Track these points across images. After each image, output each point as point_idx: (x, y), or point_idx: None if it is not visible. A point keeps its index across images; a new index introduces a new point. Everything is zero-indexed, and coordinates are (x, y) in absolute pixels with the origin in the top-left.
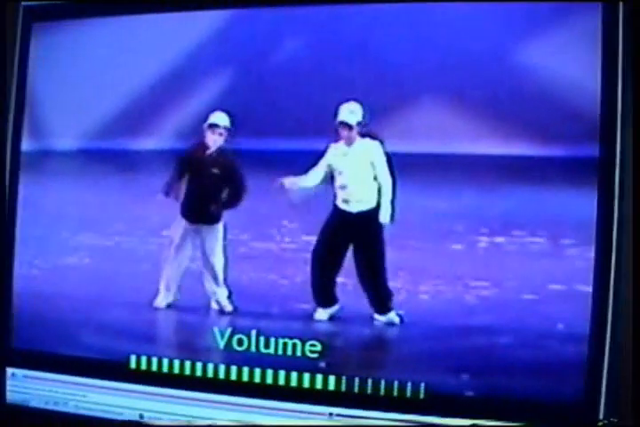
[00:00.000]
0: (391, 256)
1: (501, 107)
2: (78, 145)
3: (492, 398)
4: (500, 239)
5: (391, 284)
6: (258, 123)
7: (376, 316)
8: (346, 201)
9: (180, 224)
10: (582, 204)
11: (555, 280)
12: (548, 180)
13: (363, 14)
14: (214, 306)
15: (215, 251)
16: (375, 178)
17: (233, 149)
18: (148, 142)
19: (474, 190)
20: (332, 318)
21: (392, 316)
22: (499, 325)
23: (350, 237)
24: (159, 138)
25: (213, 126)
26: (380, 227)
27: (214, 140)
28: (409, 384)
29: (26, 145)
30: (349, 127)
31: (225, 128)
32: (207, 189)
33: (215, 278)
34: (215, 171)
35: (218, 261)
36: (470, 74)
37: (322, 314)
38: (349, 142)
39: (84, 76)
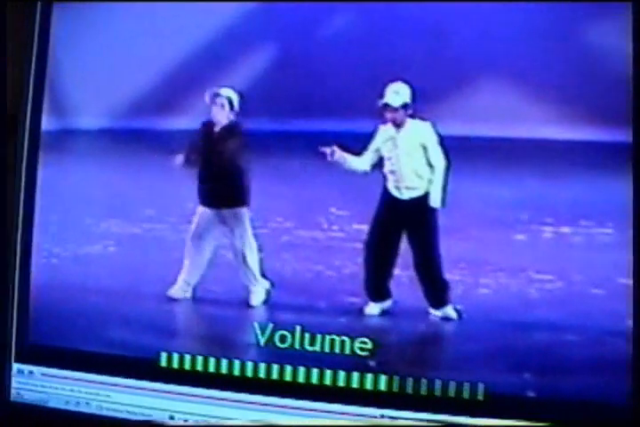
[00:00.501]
0: (449, 246)
1: (568, 88)
2: (103, 123)
3: (555, 400)
4: (565, 229)
5: (449, 276)
6: (301, 102)
7: (431, 310)
8: (397, 187)
9: (199, 212)
10: None
11: (624, 274)
12: (618, 167)
13: None
14: (253, 302)
15: (244, 238)
16: (428, 162)
17: (276, 130)
18: (180, 121)
19: (538, 177)
20: (383, 313)
21: (449, 310)
22: (563, 321)
23: (403, 225)
24: (192, 116)
25: (215, 96)
26: (433, 214)
27: (219, 113)
28: (466, 385)
29: (46, 124)
30: (394, 110)
31: (227, 98)
32: (223, 167)
33: (248, 271)
34: (228, 147)
35: (249, 252)
36: (536, 52)
37: (373, 308)
38: (397, 125)
39: (110, 52)
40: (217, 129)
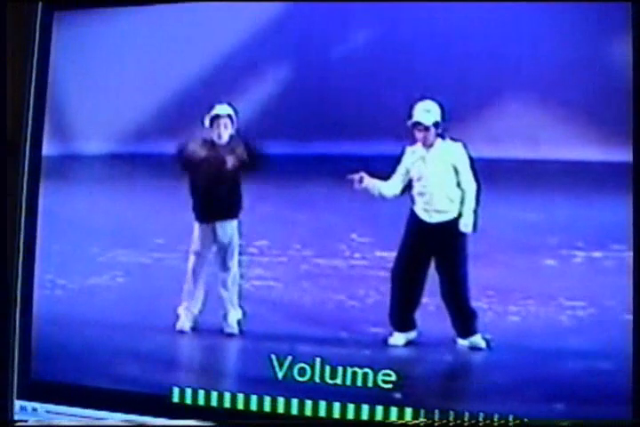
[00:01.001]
0: (477, 273)
1: (598, 110)
2: (109, 148)
3: None
4: (597, 254)
5: (477, 304)
6: (320, 124)
7: (459, 340)
8: (425, 210)
9: (198, 235)
10: None
11: None
12: None
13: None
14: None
15: (230, 250)
16: (458, 184)
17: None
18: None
19: (567, 200)
20: (408, 344)
21: (477, 339)
22: (596, 349)
23: (431, 251)
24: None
25: (215, 118)
26: (463, 239)
27: (224, 133)
28: (496, 417)
29: (48, 149)
30: (426, 128)
31: (228, 116)
32: (224, 183)
33: (227, 291)
34: (233, 161)
35: (231, 276)
36: (566, 74)
37: (399, 339)
38: (428, 145)
39: (114, 72)
40: (221, 147)
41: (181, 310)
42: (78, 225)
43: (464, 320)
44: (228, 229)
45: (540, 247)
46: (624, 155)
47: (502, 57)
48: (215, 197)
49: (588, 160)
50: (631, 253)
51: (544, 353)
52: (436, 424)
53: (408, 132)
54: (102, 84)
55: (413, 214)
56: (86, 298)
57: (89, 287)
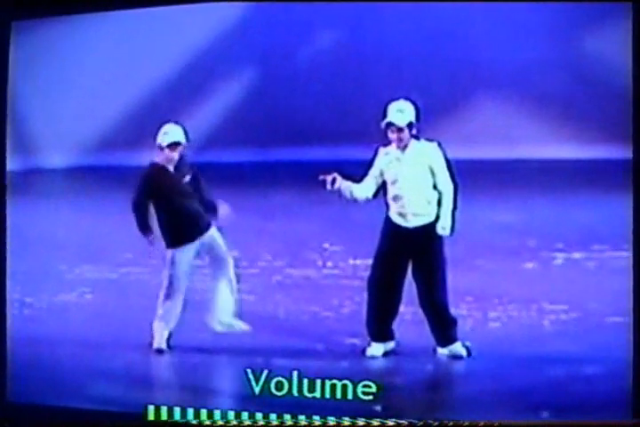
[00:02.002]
0: (455, 278)
1: (575, 109)
2: (72, 161)
3: None
4: (578, 255)
5: (456, 311)
6: (289, 131)
7: (439, 349)
8: (401, 215)
9: (175, 254)
10: None
11: None
12: (630, 186)
13: (410, 4)
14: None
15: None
16: (434, 186)
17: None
18: (153, 155)
19: (544, 200)
20: (387, 354)
21: (457, 347)
22: (581, 353)
23: (408, 256)
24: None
25: (173, 145)
26: (441, 243)
27: (171, 158)
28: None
29: (10, 163)
30: (399, 129)
31: (182, 145)
32: (190, 203)
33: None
34: (187, 185)
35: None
36: (540, 74)
37: (376, 349)
38: (402, 146)
39: (75, 81)
40: (172, 169)
41: (157, 328)
42: (43, 242)
43: (443, 328)
44: (216, 237)
45: (519, 250)
46: (603, 153)
47: (477, 56)
48: (192, 215)
49: (566, 159)
50: (614, 253)
51: (527, 360)
52: None
53: (380, 134)
54: (62, 96)
55: (388, 220)
56: (55, 316)
57: (58, 305)
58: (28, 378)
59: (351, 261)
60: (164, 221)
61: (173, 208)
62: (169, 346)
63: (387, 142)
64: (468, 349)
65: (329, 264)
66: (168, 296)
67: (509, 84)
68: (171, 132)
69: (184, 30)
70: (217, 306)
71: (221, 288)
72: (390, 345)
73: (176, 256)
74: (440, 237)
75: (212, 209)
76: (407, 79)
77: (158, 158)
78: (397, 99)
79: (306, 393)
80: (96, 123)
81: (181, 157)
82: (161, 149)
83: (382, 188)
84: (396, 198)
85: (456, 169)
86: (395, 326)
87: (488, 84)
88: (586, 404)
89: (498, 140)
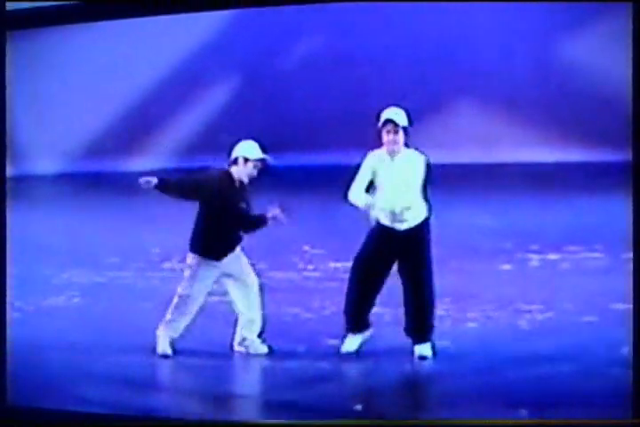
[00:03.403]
0: (434, 280)
1: (550, 111)
2: (60, 167)
3: None
4: (553, 256)
5: (435, 311)
6: (274, 137)
7: (416, 348)
8: (390, 219)
9: (196, 266)
10: None
11: (617, 299)
12: (604, 188)
13: (392, 11)
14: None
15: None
16: (423, 190)
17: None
18: (144, 162)
19: (521, 203)
20: (363, 351)
21: (427, 348)
22: (557, 352)
23: (396, 257)
24: (157, 157)
25: (259, 161)
26: (428, 245)
27: (251, 173)
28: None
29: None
30: (395, 131)
31: (260, 160)
32: (232, 221)
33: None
34: (244, 203)
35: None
36: (513, 77)
37: (351, 344)
38: (393, 150)
39: (69, 89)
40: (245, 182)
41: (161, 334)
42: (33, 246)
43: (422, 327)
44: (241, 256)
45: (495, 252)
46: (579, 155)
47: (454, 63)
48: (232, 233)
49: (541, 162)
50: (588, 254)
51: (504, 358)
52: None
53: (366, 139)
54: (52, 103)
55: (378, 223)
56: (43, 319)
57: (46, 308)
58: (19, 382)
59: (332, 264)
60: (205, 228)
61: (221, 219)
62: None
63: (377, 146)
64: (445, 347)
65: (310, 267)
66: (180, 309)
67: (487, 89)
68: (256, 148)
69: (170, 39)
70: (242, 326)
71: (247, 307)
72: (367, 334)
73: (199, 271)
74: (428, 239)
75: (251, 225)
76: (392, 85)
77: (236, 169)
78: (383, 104)
79: (287, 395)
80: (88, 130)
81: (258, 175)
82: (245, 161)
83: (372, 192)
84: (386, 202)
85: (434, 173)
86: (375, 323)
87: (467, 90)
88: (562, 401)
89: (475, 144)
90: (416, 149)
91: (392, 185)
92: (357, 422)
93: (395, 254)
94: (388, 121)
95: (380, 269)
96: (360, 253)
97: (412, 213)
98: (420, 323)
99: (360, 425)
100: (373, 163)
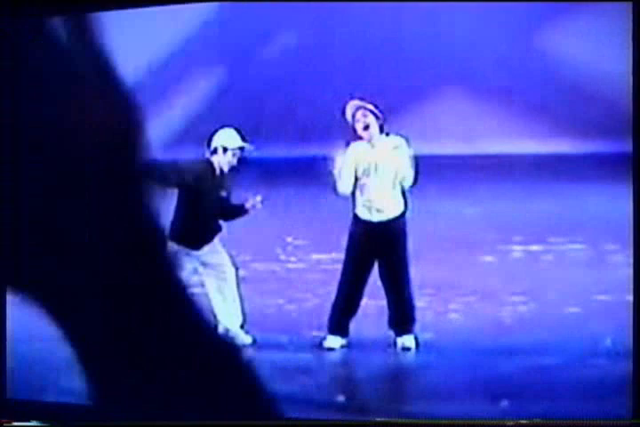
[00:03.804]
0: (416, 271)
1: (535, 103)
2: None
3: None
4: (535, 248)
5: (417, 303)
6: (253, 128)
7: (398, 340)
8: (367, 208)
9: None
10: (626, 205)
11: (600, 290)
12: (587, 179)
13: (376, 1)
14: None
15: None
16: (402, 181)
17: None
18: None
19: (503, 194)
20: (347, 346)
21: (410, 340)
22: (540, 344)
23: (376, 250)
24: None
25: (238, 150)
26: (405, 237)
27: (231, 162)
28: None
29: None
30: (364, 111)
31: (239, 149)
32: (212, 210)
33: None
34: (224, 192)
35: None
36: (498, 68)
37: (334, 342)
38: (370, 136)
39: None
40: (226, 171)
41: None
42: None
43: (405, 319)
44: (217, 245)
45: (478, 243)
46: (561, 146)
47: (439, 54)
48: (212, 222)
49: (522, 154)
50: (571, 246)
51: (487, 350)
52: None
53: (349, 131)
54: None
55: (355, 216)
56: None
57: None
58: (16, 375)
59: (314, 256)
60: (184, 216)
61: (201, 208)
62: None
63: (353, 138)
64: (427, 339)
65: (292, 259)
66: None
67: (471, 80)
68: (235, 137)
69: (157, 31)
70: (221, 318)
71: (223, 298)
72: (344, 342)
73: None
74: (405, 232)
75: (231, 214)
76: (377, 76)
77: (216, 159)
78: (367, 96)
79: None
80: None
81: (238, 162)
82: (224, 151)
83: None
84: (363, 190)
85: (418, 164)
86: (357, 320)
87: (450, 81)
88: (545, 393)
89: (457, 135)
90: (396, 133)
91: (373, 172)
92: (357, 423)
93: (373, 251)
94: (359, 108)
95: (362, 267)
96: (345, 251)
97: (389, 203)
98: (401, 315)
99: (359, 425)
100: (354, 152)
